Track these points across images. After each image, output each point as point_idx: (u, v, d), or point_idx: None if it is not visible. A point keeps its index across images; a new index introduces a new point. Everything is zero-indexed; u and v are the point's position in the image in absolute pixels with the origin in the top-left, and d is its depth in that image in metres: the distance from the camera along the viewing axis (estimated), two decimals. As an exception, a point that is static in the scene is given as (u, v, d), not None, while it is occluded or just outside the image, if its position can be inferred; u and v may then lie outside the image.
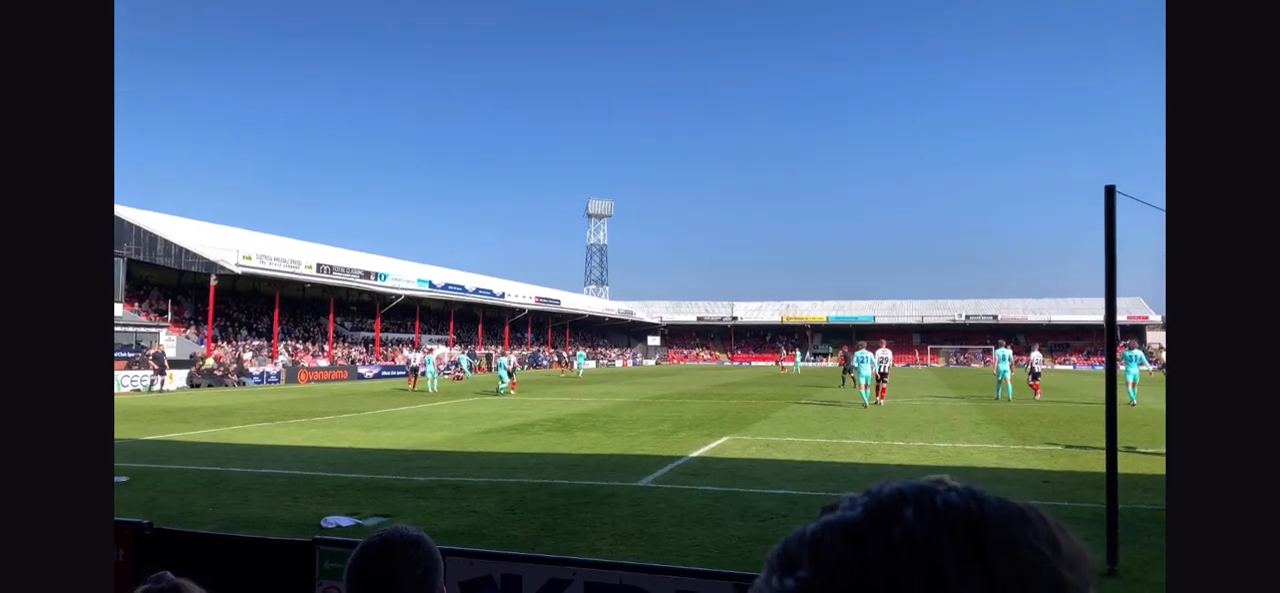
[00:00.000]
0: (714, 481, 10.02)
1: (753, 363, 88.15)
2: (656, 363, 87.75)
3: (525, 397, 27.84)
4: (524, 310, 70.27)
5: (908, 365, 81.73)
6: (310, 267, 47.51)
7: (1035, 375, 27.06)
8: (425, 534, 1.53)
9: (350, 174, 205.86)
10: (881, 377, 22.90)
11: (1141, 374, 24.22)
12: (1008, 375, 25.36)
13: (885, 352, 23.38)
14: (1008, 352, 26.12)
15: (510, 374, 30.29)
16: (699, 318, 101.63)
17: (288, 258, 46.18)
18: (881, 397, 22.79)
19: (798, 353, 62.08)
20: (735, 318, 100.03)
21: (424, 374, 32.83)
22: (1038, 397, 25.96)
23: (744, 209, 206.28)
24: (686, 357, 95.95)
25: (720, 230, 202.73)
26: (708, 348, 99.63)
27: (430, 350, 41.76)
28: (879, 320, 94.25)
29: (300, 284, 48.02)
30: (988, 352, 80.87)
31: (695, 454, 12.58)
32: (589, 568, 3.96)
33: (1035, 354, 28.30)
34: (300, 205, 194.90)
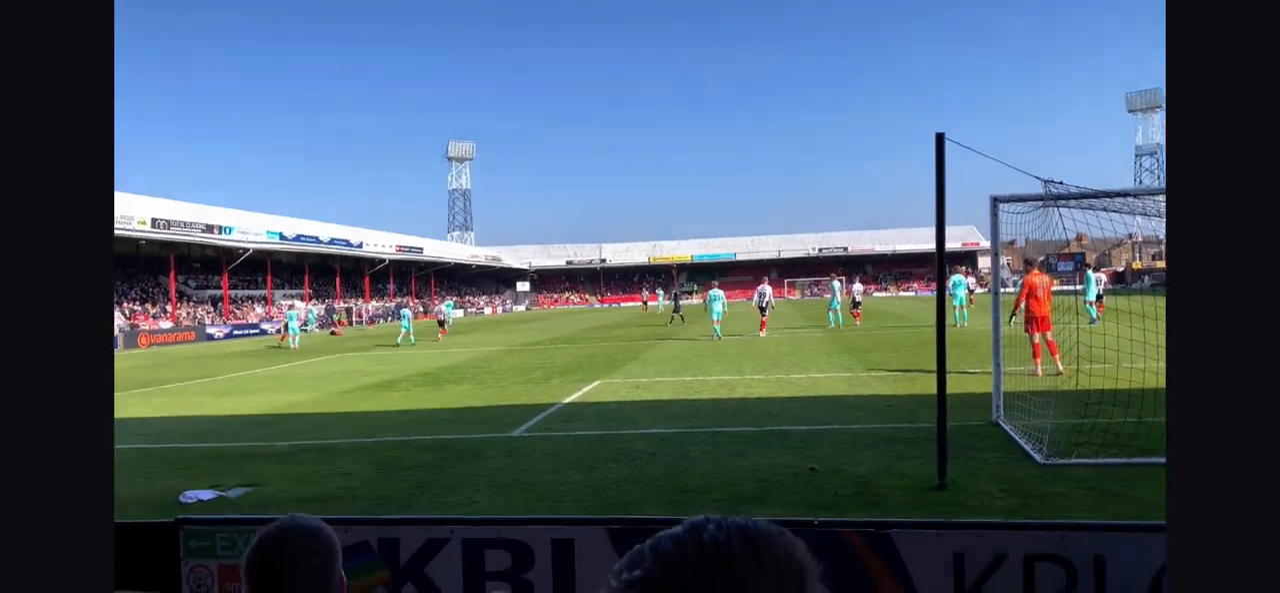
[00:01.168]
0: (587, 425, 10.30)
1: (622, 304, 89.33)
2: (527, 309, 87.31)
3: (388, 351, 27.12)
4: (384, 260, 67.80)
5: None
6: (144, 221, 43.82)
7: (856, 304, 30.64)
8: (324, 524, 1.60)
9: (185, 119, 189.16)
10: (762, 310, 26.16)
11: (967, 297, 27.17)
12: (837, 305, 28.93)
13: (764, 287, 26.87)
14: (837, 283, 29.92)
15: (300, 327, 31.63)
16: (568, 262, 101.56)
17: (118, 212, 42.37)
18: (762, 330, 25.76)
19: (660, 292, 63.43)
20: (604, 260, 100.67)
21: (287, 331, 31.76)
22: (858, 323, 29.15)
23: (610, 151, 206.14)
24: (557, 301, 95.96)
25: (587, 172, 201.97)
26: (578, 292, 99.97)
27: (292, 306, 39.79)
28: (739, 257, 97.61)
29: (134, 241, 44.31)
30: (850, 281, 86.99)
31: (568, 400, 12.82)
32: (466, 525, 4.08)
33: (856, 285, 32.12)
34: (133, 156, 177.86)
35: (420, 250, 76.12)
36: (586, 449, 8.70)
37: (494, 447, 9.09)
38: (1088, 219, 8.69)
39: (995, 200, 9.05)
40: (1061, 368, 12.21)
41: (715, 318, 25.82)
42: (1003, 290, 9.79)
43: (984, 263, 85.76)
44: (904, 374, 14.25)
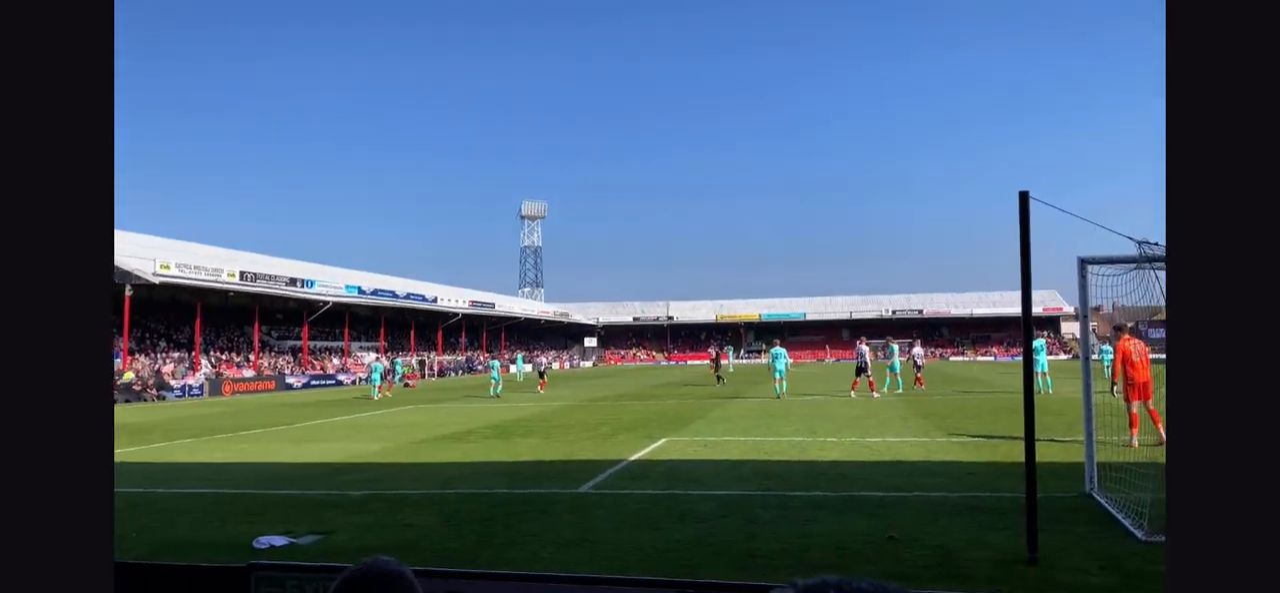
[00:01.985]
0: (653, 484, 10.11)
1: (689, 361, 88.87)
2: (594, 364, 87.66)
3: (460, 405, 27.49)
4: (458, 314, 69.33)
5: (838, 360, 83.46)
6: (233, 274, 45.90)
7: (918, 367, 29.47)
8: (406, 569, 1.55)
9: (274, 177, 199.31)
10: (860, 371, 25.20)
11: (1051, 364, 26.05)
12: (898, 368, 27.86)
13: (862, 347, 25.76)
14: (896, 345, 29.49)
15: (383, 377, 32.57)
16: (635, 318, 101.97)
17: (209, 266, 44.53)
18: (869, 389, 25.22)
19: (730, 350, 62.69)
20: (671, 317, 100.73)
21: (369, 382, 32.90)
22: (921, 387, 27.95)
23: (679, 209, 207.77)
24: (623, 357, 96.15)
25: (655, 232, 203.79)
26: (644, 348, 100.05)
27: (379, 358, 41.03)
28: (810, 317, 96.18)
29: (222, 292, 46.35)
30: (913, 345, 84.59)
31: (634, 457, 12.66)
32: (532, 582, 3.98)
33: (917, 349, 30.76)
34: (222, 212, 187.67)
35: (492, 305, 77.61)
36: (652, 508, 8.52)
37: (560, 502, 8.99)
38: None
39: (1083, 262, 8.65)
40: (1164, 435, 11.47)
41: (778, 375, 25.42)
42: (1092, 357, 9.30)
43: (1067, 328, 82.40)
44: (986, 440, 13.62)
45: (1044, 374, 24.84)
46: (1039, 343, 26.74)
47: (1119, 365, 12.42)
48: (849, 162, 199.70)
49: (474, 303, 73.52)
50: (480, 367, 64.33)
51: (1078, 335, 54.64)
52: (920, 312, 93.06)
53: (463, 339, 73.48)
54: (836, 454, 12.54)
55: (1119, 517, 7.45)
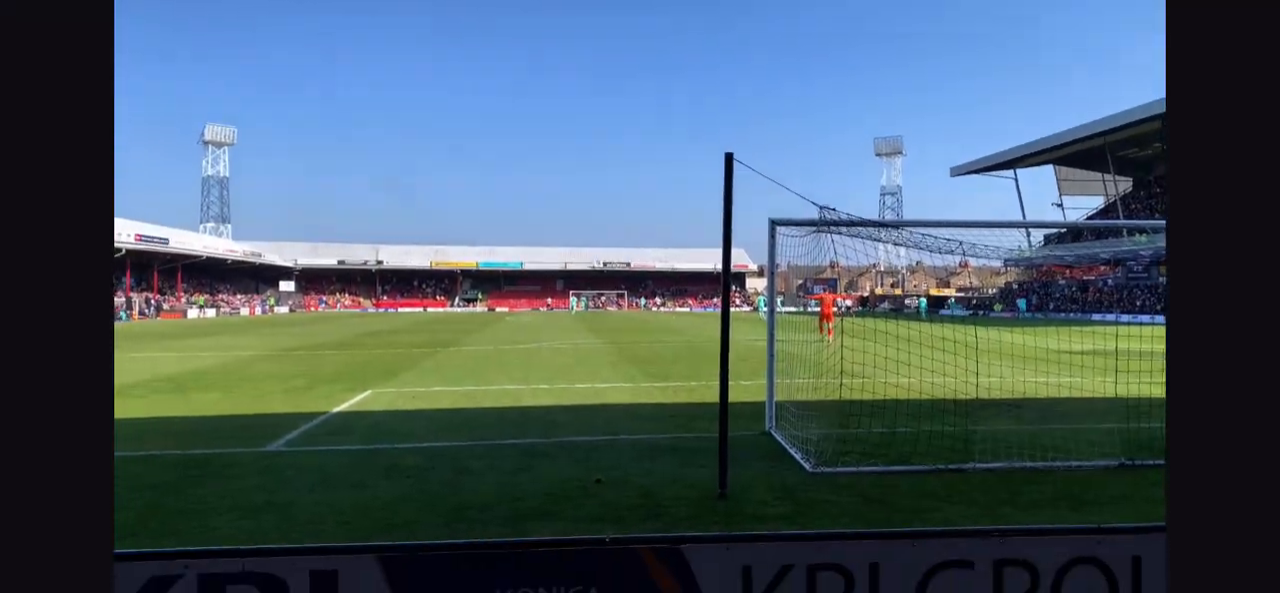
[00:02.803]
0: (356, 439, 9.49)
1: (400, 309, 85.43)
2: (290, 310, 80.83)
3: (125, 353, 23.82)
4: (119, 250, 59.78)
5: (553, 309, 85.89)
6: None
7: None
8: None
9: None
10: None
11: (737, 315, 29.82)
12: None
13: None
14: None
15: None
16: (340, 261, 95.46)
17: None
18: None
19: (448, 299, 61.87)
20: (381, 262, 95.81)
21: None
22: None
23: (391, 152, 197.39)
24: (326, 303, 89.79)
25: (361, 170, 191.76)
26: (350, 294, 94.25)
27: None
28: (526, 267, 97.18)
29: None
30: (621, 295, 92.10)
31: (335, 411, 11.81)
32: (204, 558, 3.46)
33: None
34: None
35: (165, 241, 67.96)
36: (355, 466, 7.98)
37: (243, 463, 8.08)
38: (846, 245, 9.41)
39: (774, 223, 9.51)
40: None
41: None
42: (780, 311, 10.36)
43: (752, 284, 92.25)
44: (685, 385, 14.68)
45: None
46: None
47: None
48: (573, 120, 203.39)
49: (140, 237, 63.79)
50: (146, 311, 56.16)
51: (762, 291, 63.75)
52: (628, 264, 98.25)
53: (127, 279, 63.57)
54: (547, 399, 12.74)
55: (792, 451, 8.40)
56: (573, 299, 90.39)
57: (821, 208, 9.23)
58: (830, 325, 20.00)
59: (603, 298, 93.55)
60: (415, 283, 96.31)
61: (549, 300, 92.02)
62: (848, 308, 60.89)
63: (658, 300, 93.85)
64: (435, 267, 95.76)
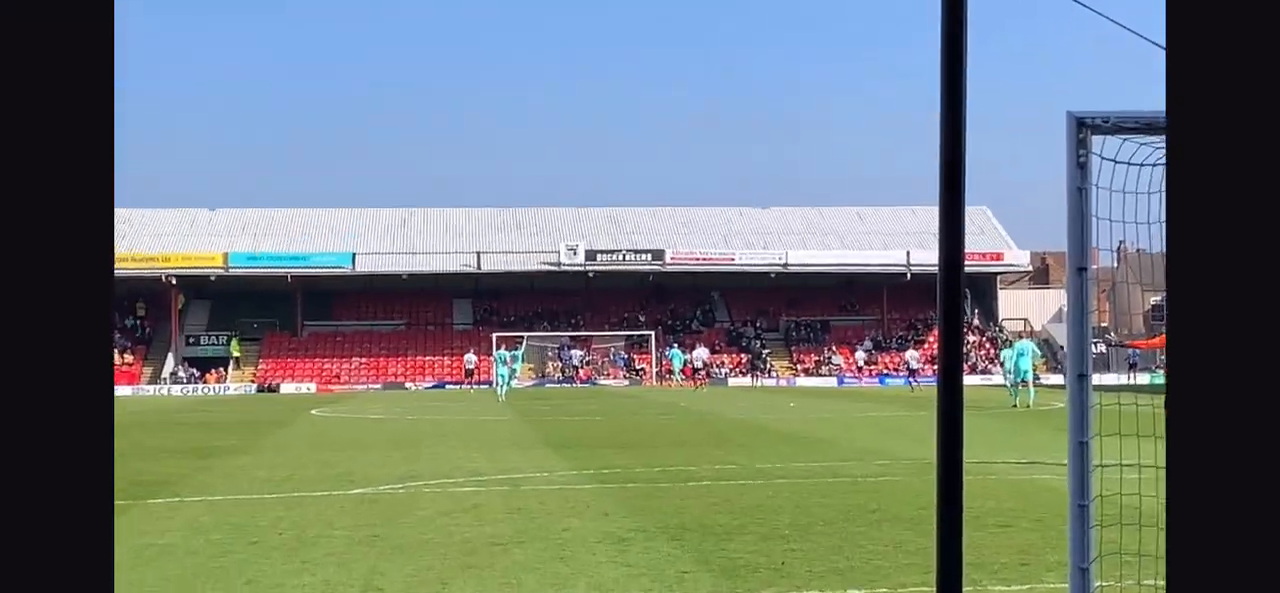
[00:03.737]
0: None
1: None
2: None
3: None
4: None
5: (438, 386, 76.94)
6: None
7: None
8: None
9: None
10: None
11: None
12: None
13: None
14: None
15: None
16: None
17: None
18: None
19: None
20: None
21: None
22: None
23: None
24: None
25: None
26: None
27: None
28: (369, 269, 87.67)
29: None
30: (637, 346, 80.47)
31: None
32: None
33: None
34: None
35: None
36: None
37: None
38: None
39: (1083, 124, 3.40)
40: None
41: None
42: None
43: (1016, 305, 54.36)
44: None
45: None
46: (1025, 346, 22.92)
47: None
48: None
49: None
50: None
51: (1027, 334, 40.59)
52: (661, 259, 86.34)
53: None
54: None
55: None
56: (500, 359, 33.99)
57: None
58: None
59: (587, 356, 50.16)
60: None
61: (439, 357, 50.31)
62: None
63: (763, 356, 48.84)
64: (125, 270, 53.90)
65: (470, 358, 47.32)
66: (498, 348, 37.80)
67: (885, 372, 42.74)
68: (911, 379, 36.54)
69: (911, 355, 38.91)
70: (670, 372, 44.34)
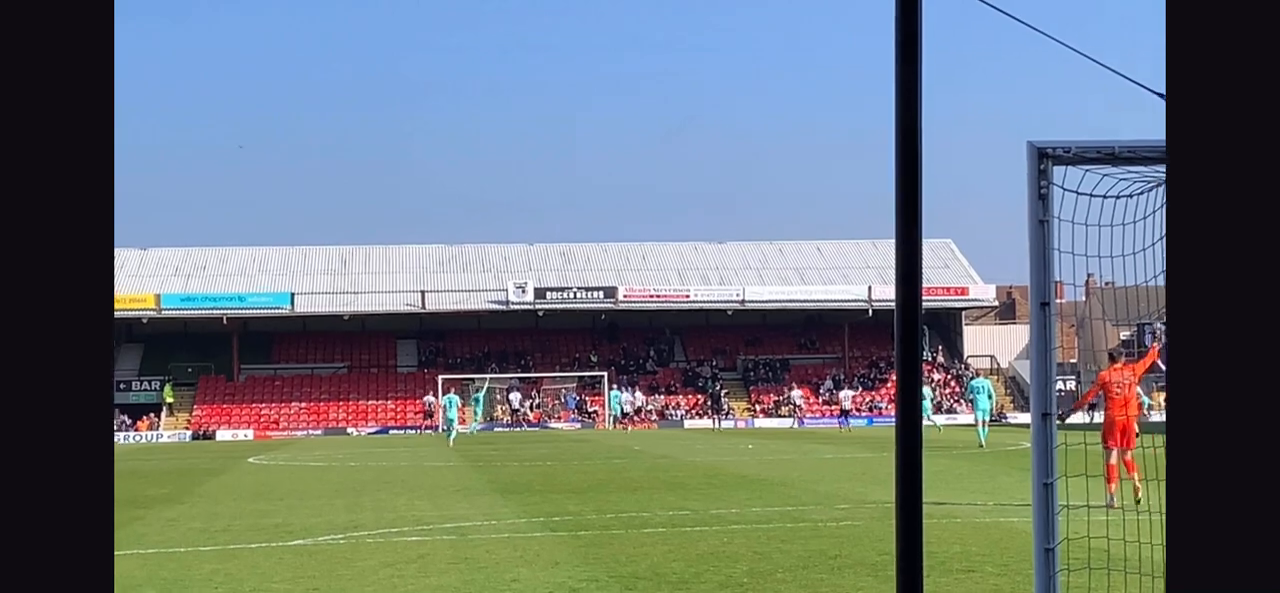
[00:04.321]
0: None
1: None
2: None
3: None
4: None
5: (380, 432, 75.15)
6: None
7: None
8: None
9: None
10: None
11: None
12: None
13: None
14: None
15: None
16: None
17: None
18: None
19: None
20: None
21: None
22: None
23: None
24: None
25: None
26: None
27: None
28: (310, 309, 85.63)
29: None
30: (588, 386, 78.94)
31: None
32: None
33: None
34: None
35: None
36: None
37: None
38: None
39: (1042, 154, 3.31)
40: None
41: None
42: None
43: (981, 339, 53.10)
44: None
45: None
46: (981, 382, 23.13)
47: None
48: None
49: None
50: None
51: (984, 372, 39.17)
52: (612, 296, 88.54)
53: None
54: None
55: None
56: (450, 403, 33.10)
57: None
58: (1129, 459, 9.17)
59: (538, 399, 49.05)
60: None
61: (383, 401, 49.38)
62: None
63: (718, 392, 47.98)
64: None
65: (429, 399, 46.06)
66: (446, 392, 36.67)
67: (847, 411, 42.92)
68: (844, 420, 36.64)
69: (845, 395, 39.06)
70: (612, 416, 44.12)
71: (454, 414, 32.00)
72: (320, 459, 24.40)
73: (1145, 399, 18.93)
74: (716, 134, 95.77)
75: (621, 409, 44.07)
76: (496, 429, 44.28)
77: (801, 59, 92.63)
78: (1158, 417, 20.54)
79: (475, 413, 34.04)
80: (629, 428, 41.92)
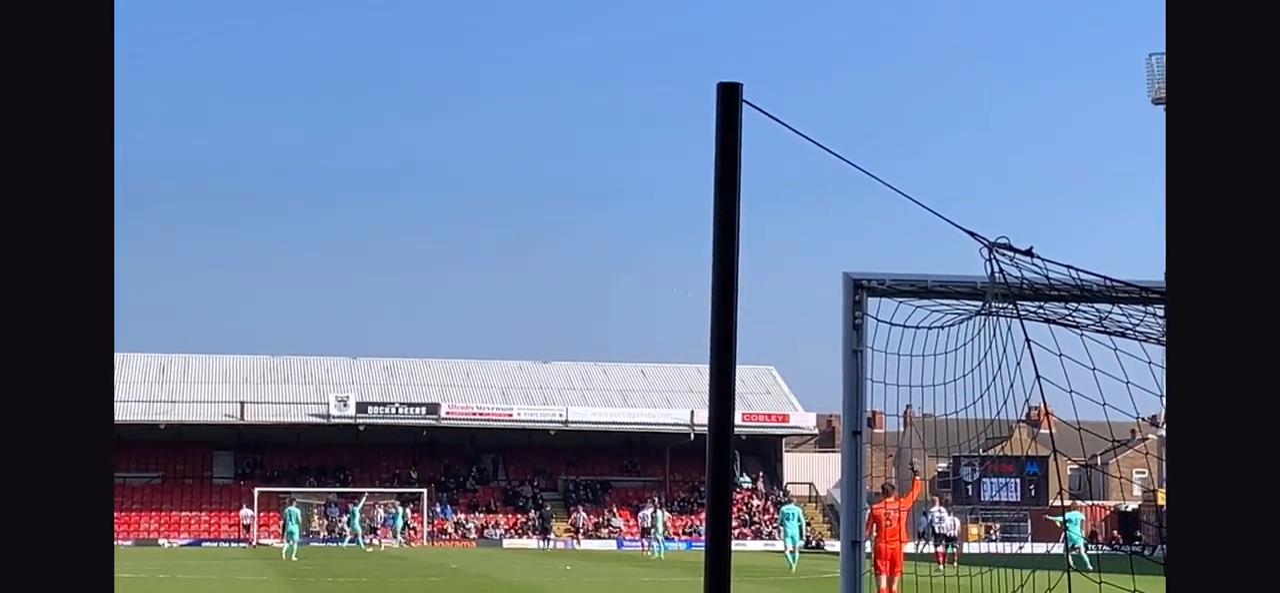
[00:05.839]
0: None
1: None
2: None
3: None
4: None
5: (191, 543, 67.15)
6: None
7: None
8: None
9: None
10: None
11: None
12: None
13: None
14: None
15: None
16: None
17: None
18: None
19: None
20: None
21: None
22: None
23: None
24: None
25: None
26: None
27: None
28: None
29: None
30: (406, 500, 73.07)
31: None
32: None
33: None
34: None
35: None
36: None
37: None
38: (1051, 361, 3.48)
39: (857, 285, 3.43)
40: None
41: None
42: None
43: (802, 468, 52.85)
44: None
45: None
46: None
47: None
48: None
49: None
50: None
51: (802, 502, 38.13)
52: (436, 413, 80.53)
53: None
54: None
55: None
56: (290, 516, 31.54)
57: (996, 246, 3.39)
58: (895, 587, 9.55)
59: (357, 514, 40.75)
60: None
61: (197, 513, 46.01)
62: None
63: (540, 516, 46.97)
64: None
65: (247, 513, 43.70)
66: (288, 505, 35.75)
67: (669, 536, 42.66)
68: (647, 541, 36.18)
69: (646, 515, 38.11)
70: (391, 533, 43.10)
71: (294, 527, 30.82)
72: (129, 571, 21.25)
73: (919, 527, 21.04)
74: (546, 254, 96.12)
75: (405, 522, 43.33)
76: (313, 544, 40.97)
77: (633, 185, 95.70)
78: (929, 548, 22.37)
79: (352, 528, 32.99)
80: (441, 546, 39.95)
